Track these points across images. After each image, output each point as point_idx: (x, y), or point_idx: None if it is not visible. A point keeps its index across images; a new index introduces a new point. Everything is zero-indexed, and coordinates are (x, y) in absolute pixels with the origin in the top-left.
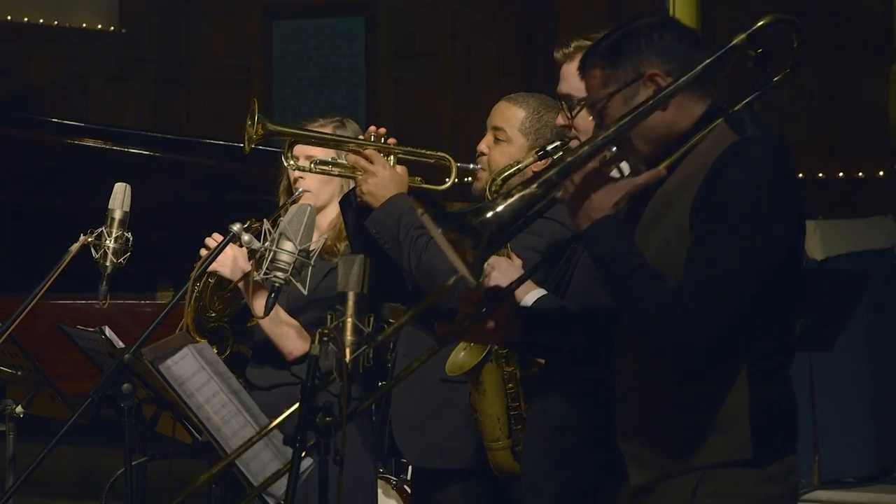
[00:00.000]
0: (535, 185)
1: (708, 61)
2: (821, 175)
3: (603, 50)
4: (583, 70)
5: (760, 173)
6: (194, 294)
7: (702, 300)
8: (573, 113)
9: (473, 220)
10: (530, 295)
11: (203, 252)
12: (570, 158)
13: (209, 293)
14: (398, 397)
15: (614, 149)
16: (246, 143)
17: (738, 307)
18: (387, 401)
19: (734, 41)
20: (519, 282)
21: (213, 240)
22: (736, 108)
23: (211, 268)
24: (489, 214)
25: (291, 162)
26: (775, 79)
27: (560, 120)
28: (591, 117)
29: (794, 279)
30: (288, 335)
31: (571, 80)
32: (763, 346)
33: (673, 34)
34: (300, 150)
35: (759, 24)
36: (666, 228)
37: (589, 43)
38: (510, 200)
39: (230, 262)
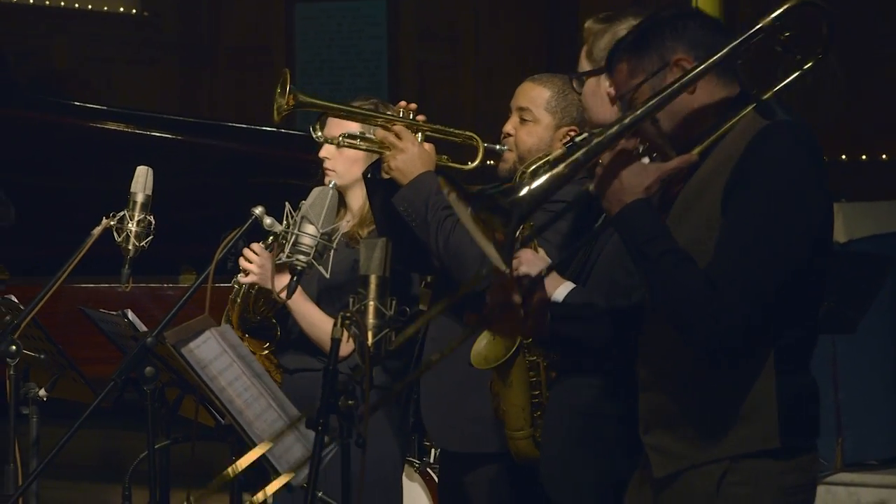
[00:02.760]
0: (562, 166)
1: (734, 43)
2: (843, 157)
3: (628, 44)
4: (610, 67)
5: (792, 155)
6: (238, 298)
7: (734, 279)
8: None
9: (503, 200)
10: (561, 289)
11: (241, 262)
12: (597, 139)
13: (252, 300)
14: (426, 381)
15: (640, 147)
16: (275, 112)
17: (770, 287)
18: (415, 384)
19: (761, 23)
20: (547, 270)
21: (250, 249)
22: (766, 97)
23: (249, 280)
24: (520, 193)
25: (320, 134)
26: (805, 66)
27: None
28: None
29: (822, 265)
30: (322, 329)
31: (582, 63)
32: (790, 333)
33: (696, 22)
34: (329, 126)
35: (785, 6)
36: (697, 216)
37: (600, 26)
38: (539, 181)
39: (265, 272)
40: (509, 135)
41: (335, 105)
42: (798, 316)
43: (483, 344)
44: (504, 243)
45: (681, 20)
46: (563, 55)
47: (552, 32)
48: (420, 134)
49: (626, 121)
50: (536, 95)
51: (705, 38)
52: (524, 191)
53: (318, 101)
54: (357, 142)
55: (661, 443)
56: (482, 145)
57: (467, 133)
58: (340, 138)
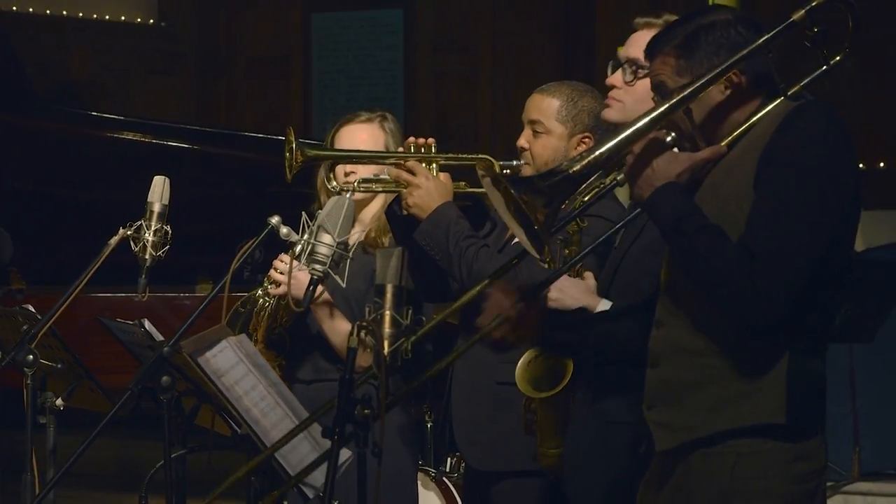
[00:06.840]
0: (598, 152)
1: (766, 36)
2: (861, 166)
3: (679, 41)
4: (652, 54)
5: (825, 131)
6: (267, 311)
7: (773, 250)
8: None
9: (542, 183)
10: (600, 306)
11: (273, 274)
12: (632, 128)
13: (281, 312)
14: (457, 399)
15: (672, 134)
16: (287, 171)
17: (806, 257)
18: (447, 401)
19: (793, 17)
20: (556, 274)
21: (281, 261)
22: (793, 91)
23: (280, 291)
24: (558, 177)
25: (335, 183)
26: (833, 60)
27: (614, 80)
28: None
29: (846, 252)
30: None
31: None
32: (809, 314)
33: (749, 30)
34: (340, 167)
35: (816, 1)
36: (726, 193)
37: (659, 21)
38: (576, 166)
39: (295, 281)
40: (524, 149)
41: (344, 153)
42: (820, 297)
43: (525, 369)
44: (544, 225)
45: (734, 27)
46: (581, 63)
47: (569, 41)
48: (434, 165)
49: (661, 109)
50: (546, 107)
51: (750, 41)
52: (563, 175)
53: (326, 153)
54: (373, 185)
55: (664, 417)
56: (498, 164)
57: (481, 156)
58: (356, 185)
